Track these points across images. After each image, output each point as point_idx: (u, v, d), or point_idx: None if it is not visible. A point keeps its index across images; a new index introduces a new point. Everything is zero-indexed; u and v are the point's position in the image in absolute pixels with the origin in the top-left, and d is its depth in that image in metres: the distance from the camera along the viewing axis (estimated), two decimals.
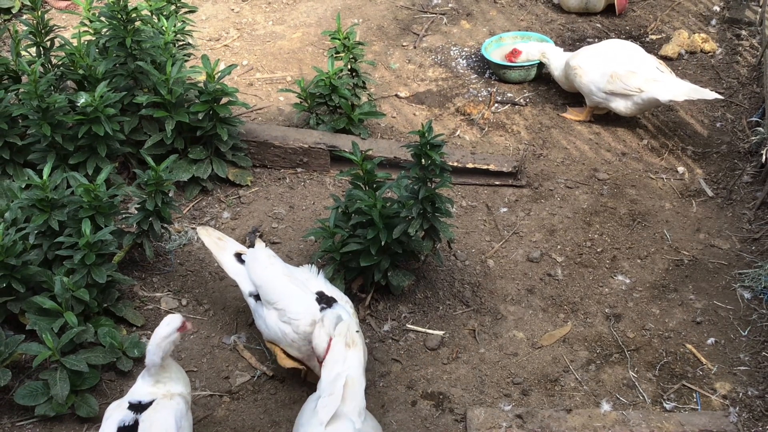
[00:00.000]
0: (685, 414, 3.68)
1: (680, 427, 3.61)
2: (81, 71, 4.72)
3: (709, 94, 5.00)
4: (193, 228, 4.78)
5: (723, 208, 4.84)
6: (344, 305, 3.76)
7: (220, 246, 4.02)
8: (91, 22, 5.15)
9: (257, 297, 3.83)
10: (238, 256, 3.99)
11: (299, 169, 5.21)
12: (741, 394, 3.78)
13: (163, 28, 4.99)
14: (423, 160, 3.79)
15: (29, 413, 3.76)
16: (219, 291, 4.43)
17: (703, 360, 3.95)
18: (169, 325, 3.32)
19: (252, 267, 3.85)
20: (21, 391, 3.70)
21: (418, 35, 6.60)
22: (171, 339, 3.30)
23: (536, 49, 5.77)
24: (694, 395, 3.79)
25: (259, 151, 5.20)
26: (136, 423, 3.25)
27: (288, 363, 3.74)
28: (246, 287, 3.89)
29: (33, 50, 4.98)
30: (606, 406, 3.74)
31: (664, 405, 3.75)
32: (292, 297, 3.67)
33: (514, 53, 5.84)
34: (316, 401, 3.17)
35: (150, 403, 3.30)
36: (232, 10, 7.14)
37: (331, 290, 3.82)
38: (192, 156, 4.94)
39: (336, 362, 3.30)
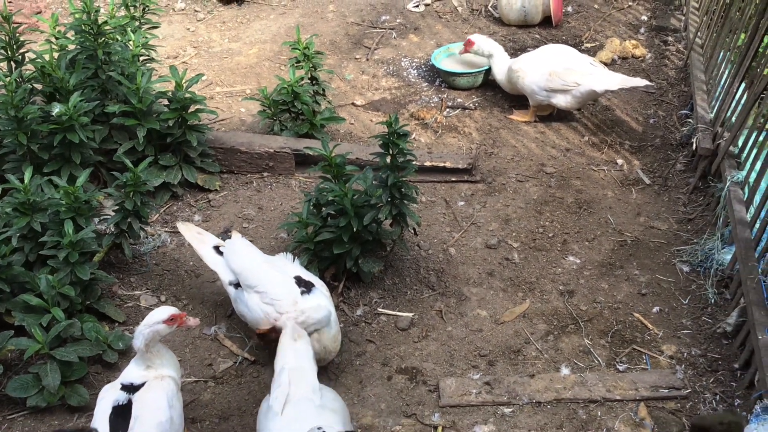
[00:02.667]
0: (637, 373, 4.04)
1: (633, 385, 3.96)
2: (53, 84, 4.89)
3: (640, 82, 5.49)
4: (166, 231, 4.98)
5: (660, 194, 5.28)
6: (320, 289, 4.02)
7: (200, 239, 4.24)
8: (57, 39, 5.33)
9: (237, 285, 4.06)
10: (217, 249, 4.21)
11: (265, 173, 5.46)
12: (685, 353, 4.16)
13: (130, 42, 5.21)
14: (391, 149, 4.11)
15: (20, 406, 3.89)
16: (196, 287, 4.63)
17: (650, 326, 4.33)
18: (154, 315, 3.52)
19: (231, 256, 4.08)
20: (12, 384, 3.83)
21: (370, 48, 6.95)
22: (154, 328, 3.48)
23: (487, 44, 6.09)
24: (644, 357, 4.16)
25: (226, 158, 5.43)
26: (129, 403, 3.42)
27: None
28: (226, 277, 4.11)
29: (2, 65, 5.12)
30: (565, 370, 4.07)
31: (618, 367, 4.10)
32: (272, 280, 3.91)
33: (468, 43, 6.16)
34: (268, 401, 3.39)
35: (142, 385, 3.48)
36: (188, 29, 7.38)
37: (308, 275, 4.07)
38: (162, 162, 5.14)
39: (283, 356, 3.51)
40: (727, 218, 4.62)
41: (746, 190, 4.64)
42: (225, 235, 4.92)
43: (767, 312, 3.87)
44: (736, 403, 3.86)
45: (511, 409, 3.88)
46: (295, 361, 3.48)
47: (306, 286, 3.94)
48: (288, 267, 4.07)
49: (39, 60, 4.93)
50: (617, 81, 5.51)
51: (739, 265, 4.22)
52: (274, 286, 3.88)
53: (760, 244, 4.22)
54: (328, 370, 4.09)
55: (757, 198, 4.47)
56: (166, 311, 3.53)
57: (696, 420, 1.44)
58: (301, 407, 3.27)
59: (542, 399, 3.91)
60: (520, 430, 3.78)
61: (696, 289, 4.54)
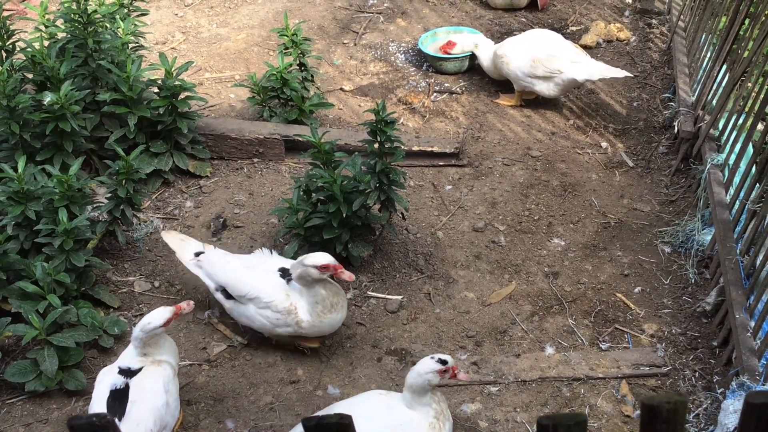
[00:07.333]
0: (619, 352, 4.17)
1: (615, 363, 4.10)
2: (43, 72, 4.93)
3: (620, 72, 5.60)
4: (158, 217, 5.06)
5: (643, 176, 5.39)
6: None
7: (182, 246, 4.31)
8: (46, 27, 5.36)
9: (224, 290, 4.13)
10: (198, 255, 4.28)
11: (255, 159, 5.53)
12: (666, 332, 4.29)
13: (119, 29, 5.25)
14: (378, 136, 4.19)
15: (18, 391, 3.98)
16: (189, 273, 4.70)
17: (632, 306, 4.45)
18: (151, 321, 3.57)
19: (212, 271, 4.14)
20: (10, 370, 3.92)
21: (358, 33, 7.00)
22: (151, 333, 3.57)
23: (470, 40, 6.25)
24: (626, 336, 4.29)
25: (216, 144, 5.50)
26: (127, 387, 3.52)
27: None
28: (211, 284, 4.19)
29: None
30: (550, 350, 4.19)
31: (600, 346, 4.23)
32: (259, 283, 3.99)
33: (449, 44, 6.31)
34: None
35: (139, 370, 3.58)
36: (176, 14, 7.40)
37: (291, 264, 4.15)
38: (153, 150, 5.21)
39: None
40: (708, 200, 4.73)
41: (726, 172, 4.75)
42: (216, 220, 5.01)
43: (744, 291, 3.99)
44: (714, 380, 4.00)
45: (497, 388, 4.00)
46: None
47: (290, 275, 4.02)
48: (269, 262, 4.13)
49: (29, 49, 4.97)
50: (599, 70, 5.61)
51: (718, 245, 4.34)
52: (264, 289, 3.96)
53: (738, 225, 4.35)
54: (319, 353, 4.21)
55: (736, 180, 4.59)
56: (161, 316, 3.57)
57: (645, 400, 1.56)
58: None
59: (527, 378, 4.03)
60: (506, 407, 3.91)
61: (677, 269, 4.67)
